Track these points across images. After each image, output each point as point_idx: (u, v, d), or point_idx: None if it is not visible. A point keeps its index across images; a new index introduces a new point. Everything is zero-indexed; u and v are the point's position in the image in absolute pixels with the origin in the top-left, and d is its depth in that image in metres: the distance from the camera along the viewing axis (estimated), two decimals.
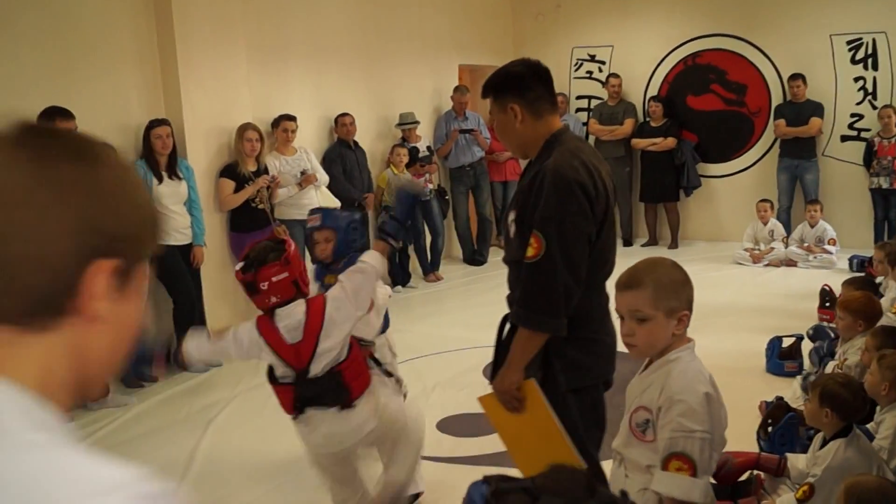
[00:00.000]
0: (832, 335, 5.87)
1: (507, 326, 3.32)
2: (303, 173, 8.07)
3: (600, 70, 12.11)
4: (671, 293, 2.56)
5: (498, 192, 11.36)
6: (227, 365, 6.67)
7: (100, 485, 0.87)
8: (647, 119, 11.41)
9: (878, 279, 6.79)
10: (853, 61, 10.47)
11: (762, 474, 4.09)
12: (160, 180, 6.78)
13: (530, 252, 2.99)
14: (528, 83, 3.17)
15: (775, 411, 4.71)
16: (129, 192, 1.03)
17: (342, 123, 8.96)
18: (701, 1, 11.32)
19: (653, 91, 11.67)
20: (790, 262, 9.85)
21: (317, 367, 3.55)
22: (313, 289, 4.20)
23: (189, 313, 6.81)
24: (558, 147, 3.09)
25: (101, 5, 6.76)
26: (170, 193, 6.82)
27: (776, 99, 10.92)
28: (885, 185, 9.85)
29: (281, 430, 4.56)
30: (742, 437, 4.29)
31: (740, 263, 10.10)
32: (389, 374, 4.54)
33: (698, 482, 2.46)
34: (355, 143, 9.11)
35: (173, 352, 3.42)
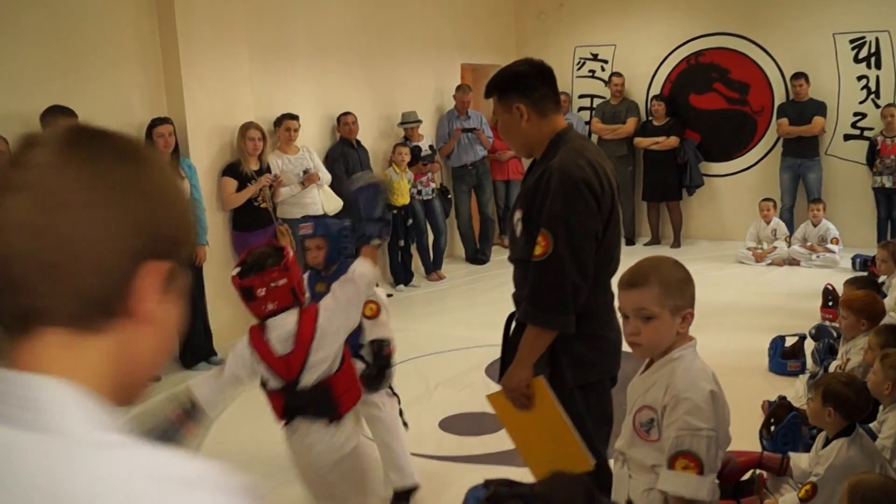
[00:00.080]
0: (835, 334, 5.87)
1: (513, 325, 3.36)
2: (305, 172, 8.07)
3: (603, 69, 12.10)
4: (676, 291, 2.55)
5: (500, 191, 11.36)
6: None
7: (184, 480, 0.88)
8: (650, 118, 11.40)
9: (882, 278, 6.78)
10: (856, 60, 10.45)
11: (765, 473, 4.09)
12: None
13: (538, 250, 3.01)
14: (534, 83, 3.19)
15: (778, 410, 4.70)
16: (175, 194, 1.05)
17: (344, 122, 8.96)
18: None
19: (655, 90, 11.66)
20: (793, 262, 9.84)
21: (308, 379, 3.46)
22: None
23: (190, 312, 6.79)
24: (564, 146, 3.11)
25: (104, 4, 6.76)
26: None
27: (779, 98, 10.91)
28: (888, 184, 9.83)
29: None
30: (745, 436, 4.28)
31: (743, 262, 10.10)
32: (393, 392, 4.58)
33: (705, 480, 2.45)
34: (358, 142, 9.11)
35: (188, 409, 3.32)
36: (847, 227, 10.04)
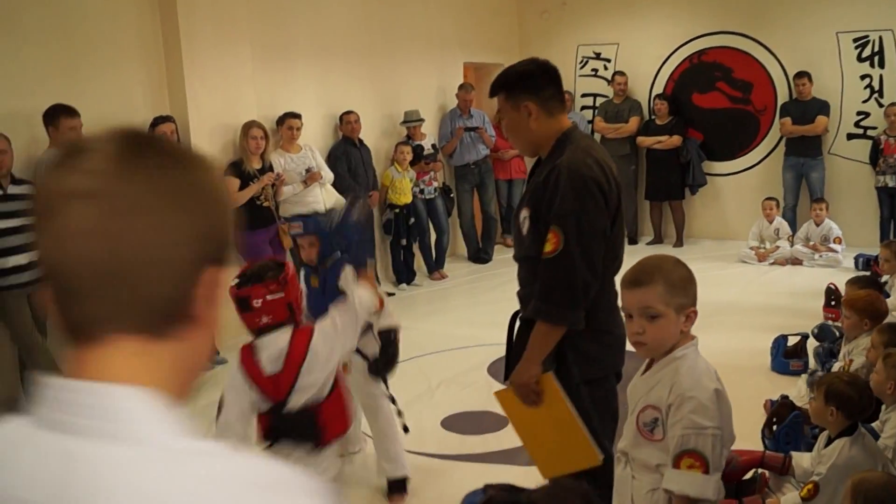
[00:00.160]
0: (837, 334, 5.87)
1: (518, 323, 3.39)
2: (308, 171, 8.07)
3: (605, 68, 12.09)
4: (681, 290, 2.55)
5: (503, 190, 11.36)
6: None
7: (272, 483, 0.90)
8: (653, 117, 11.39)
9: (884, 278, 6.78)
10: (859, 59, 10.43)
11: (767, 472, 4.09)
12: None
13: (548, 247, 3.04)
14: (541, 82, 3.21)
15: (780, 410, 4.70)
16: (225, 198, 1.05)
17: (347, 121, 8.96)
18: None
19: (658, 89, 11.64)
20: (795, 261, 9.82)
21: (296, 401, 3.39)
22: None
23: None
24: (570, 145, 3.14)
25: (106, 3, 6.77)
26: None
27: (782, 97, 10.89)
28: (891, 184, 9.81)
29: None
30: (747, 435, 4.28)
31: (745, 262, 10.08)
32: (393, 401, 4.59)
33: (711, 479, 2.45)
34: (360, 140, 9.11)
35: None
36: (850, 227, 10.02)
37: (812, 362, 5.92)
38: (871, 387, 3.92)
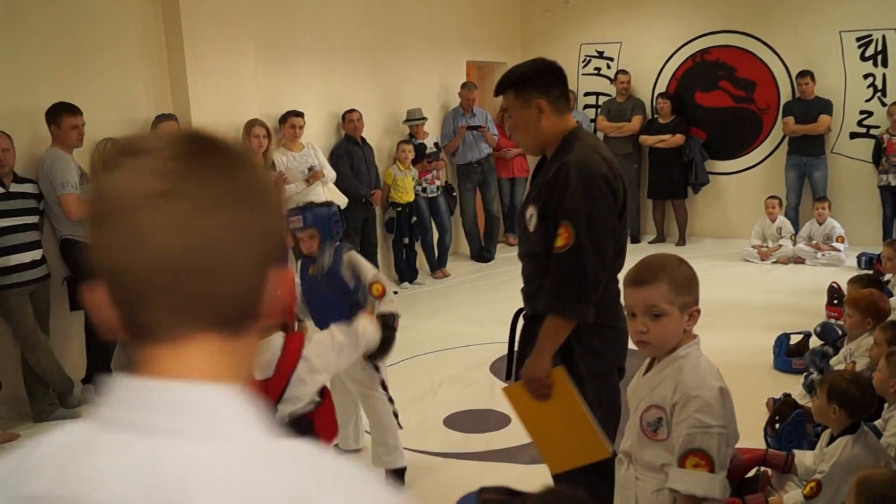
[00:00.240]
0: (840, 332, 5.87)
1: (520, 320, 3.44)
2: (310, 169, 8.07)
3: (608, 66, 12.09)
4: (685, 288, 2.54)
5: (505, 189, 11.36)
6: None
7: (362, 480, 0.93)
8: (656, 116, 11.38)
9: (887, 276, 6.77)
10: (862, 58, 10.43)
11: (769, 471, 4.08)
12: None
13: (560, 242, 3.08)
14: (552, 80, 3.27)
15: (783, 408, 4.70)
16: (279, 198, 1.07)
17: (349, 120, 8.96)
18: None
19: (661, 88, 11.64)
20: (798, 260, 9.82)
21: (284, 410, 3.35)
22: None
23: None
24: (578, 143, 3.19)
25: (109, 1, 6.77)
26: None
27: (785, 96, 10.89)
28: (893, 182, 9.81)
29: None
30: (749, 433, 4.27)
31: (748, 261, 10.08)
32: (391, 401, 4.59)
33: (717, 478, 2.44)
34: (363, 139, 9.11)
35: None
36: (853, 226, 10.02)
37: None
38: (873, 385, 3.91)
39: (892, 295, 6.19)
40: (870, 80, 10.43)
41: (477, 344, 7.05)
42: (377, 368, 4.59)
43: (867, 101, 10.46)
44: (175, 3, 7.10)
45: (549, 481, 3.61)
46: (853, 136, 10.56)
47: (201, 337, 0.95)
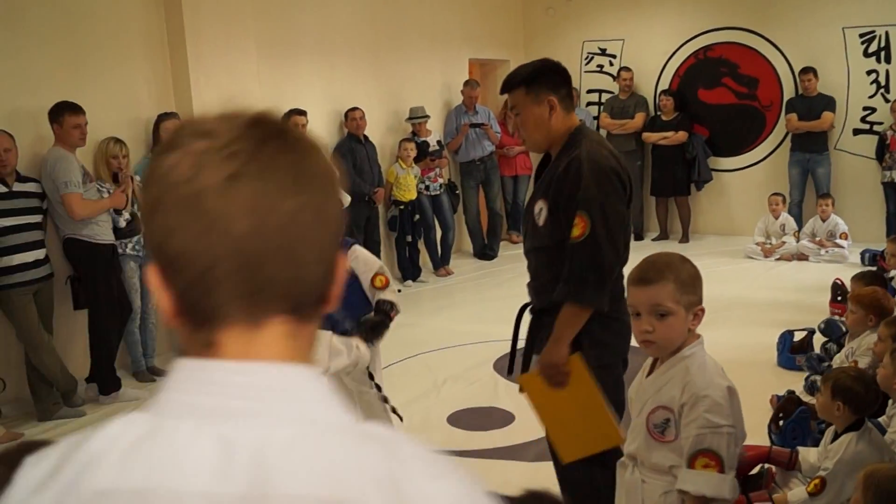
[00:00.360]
0: (843, 329, 5.86)
1: (530, 315, 3.53)
2: None
3: (611, 64, 12.08)
4: (690, 287, 2.53)
5: (508, 187, 11.35)
6: None
7: (438, 466, 0.90)
8: (659, 113, 11.38)
9: (890, 273, 6.76)
10: (866, 54, 10.41)
11: (773, 468, 4.09)
12: None
13: (576, 232, 3.16)
14: (560, 79, 3.38)
15: (787, 405, 4.70)
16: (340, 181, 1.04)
17: (352, 118, 8.97)
18: None
19: (664, 85, 11.63)
20: (802, 257, 9.81)
21: None
22: None
23: None
24: (584, 139, 3.29)
25: (111, 0, 6.77)
26: None
27: (788, 92, 10.87)
28: None
29: None
30: (753, 430, 4.26)
31: (752, 257, 10.08)
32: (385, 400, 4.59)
33: (727, 478, 2.43)
34: (365, 137, 9.12)
35: None
36: (856, 222, 10.00)
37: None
38: (877, 382, 3.91)
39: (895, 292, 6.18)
40: (873, 76, 10.40)
41: (480, 342, 7.05)
42: (372, 377, 4.58)
43: (870, 97, 10.43)
44: (177, 1, 7.10)
45: (553, 479, 3.62)
46: (856, 132, 10.54)
47: (273, 321, 0.93)
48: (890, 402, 4.13)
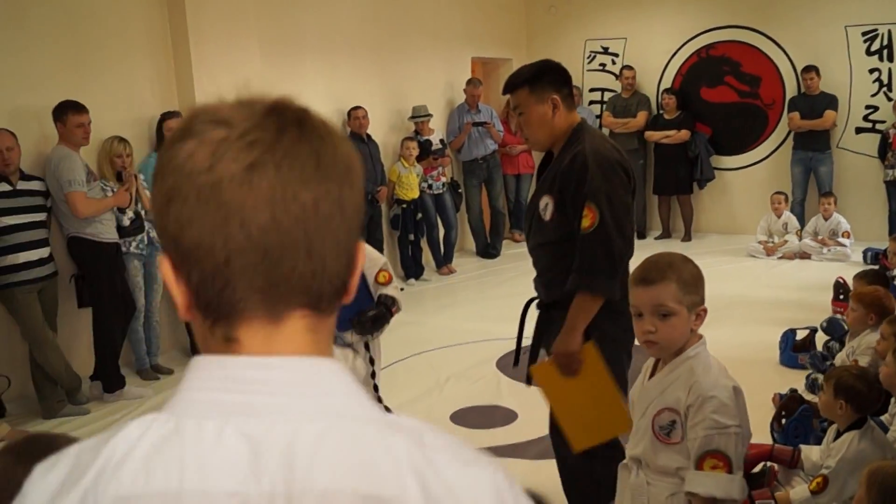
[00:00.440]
0: (846, 327, 5.87)
1: (529, 310, 3.63)
2: None
3: (613, 62, 12.08)
4: (693, 287, 2.51)
5: (511, 185, 11.36)
6: None
7: (469, 458, 0.90)
8: (661, 111, 11.38)
9: (893, 271, 6.77)
10: (868, 53, 10.41)
11: (776, 466, 4.10)
12: None
13: (586, 223, 3.23)
14: (562, 78, 3.45)
15: (789, 403, 4.71)
16: (361, 169, 1.01)
17: (355, 116, 8.98)
18: None
19: (666, 83, 11.63)
20: (804, 255, 9.82)
21: None
22: None
23: None
24: (587, 135, 3.38)
25: None
26: None
27: (790, 91, 10.87)
28: None
29: None
30: (756, 428, 4.25)
31: (754, 256, 10.08)
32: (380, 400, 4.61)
33: (735, 478, 2.41)
34: (368, 136, 9.13)
35: None
36: (858, 221, 10.00)
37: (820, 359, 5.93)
38: (880, 380, 3.92)
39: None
40: (875, 74, 10.40)
41: (483, 340, 7.06)
42: (373, 374, 4.60)
43: (873, 95, 10.43)
44: (180, 0, 7.11)
45: (554, 477, 3.64)
46: (859, 130, 10.54)
47: (293, 316, 0.91)
48: (892, 400, 4.14)
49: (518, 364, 3.87)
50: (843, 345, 5.60)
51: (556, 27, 12.23)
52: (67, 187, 5.90)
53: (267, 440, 0.84)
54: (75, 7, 6.49)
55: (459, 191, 10.50)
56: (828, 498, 3.59)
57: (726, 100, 11.36)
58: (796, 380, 5.58)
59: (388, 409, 4.56)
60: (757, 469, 4.08)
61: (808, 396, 5.00)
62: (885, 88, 10.35)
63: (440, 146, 10.05)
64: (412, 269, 9.73)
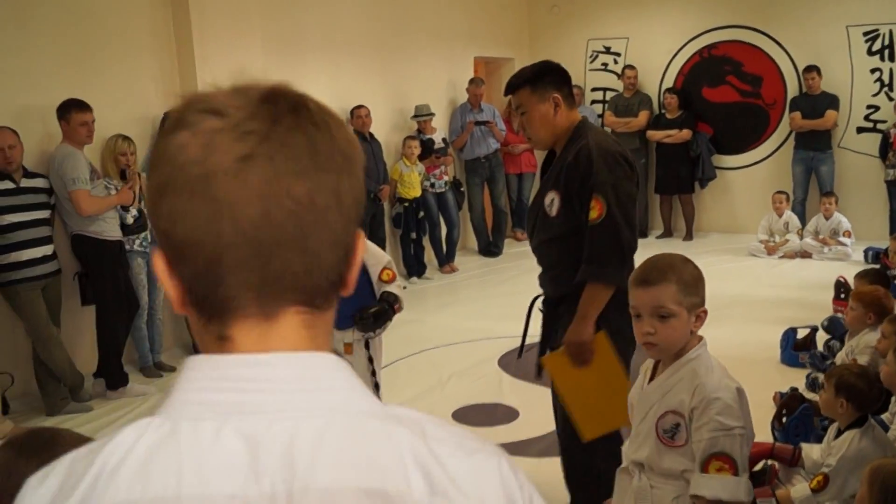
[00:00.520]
0: (846, 327, 5.88)
1: (535, 306, 3.73)
2: None
3: (615, 62, 12.09)
4: (693, 289, 2.49)
5: (513, 184, 11.37)
6: None
7: (471, 447, 0.89)
8: (663, 111, 11.39)
9: (894, 271, 6.78)
10: (869, 52, 10.41)
11: (776, 464, 4.11)
12: None
13: (594, 214, 3.31)
14: (562, 78, 3.53)
15: (790, 402, 4.73)
16: (361, 155, 0.96)
17: (358, 115, 8.99)
18: None
19: (668, 83, 11.64)
20: (805, 254, 9.83)
21: None
22: None
23: None
24: (589, 131, 3.46)
25: None
26: None
27: (792, 91, 10.88)
28: None
29: None
30: (757, 427, 4.26)
31: (755, 255, 10.09)
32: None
33: (741, 480, 2.40)
34: (371, 135, 9.14)
35: None
36: (859, 220, 10.01)
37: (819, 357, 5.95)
38: (881, 379, 3.93)
39: None
40: (877, 74, 10.41)
41: (485, 338, 7.08)
42: (374, 373, 4.61)
43: (874, 95, 10.44)
44: None
45: (555, 474, 3.66)
46: (860, 130, 10.54)
47: (287, 312, 0.88)
48: (893, 398, 4.16)
49: (522, 356, 3.96)
50: (843, 344, 5.62)
51: (559, 27, 12.24)
52: (71, 185, 5.92)
53: (266, 439, 0.81)
54: (79, 5, 6.50)
55: (462, 189, 10.51)
56: (828, 496, 3.60)
57: (728, 99, 11.37)
58: (797, 378, 5.59)
59: None
60: (758, 467, 4.09)
61: (809, 395, 5.01)
62: (886, 88, 10.36)
63: (443, 145, 10.07)
64: (414, 268, 9.75)
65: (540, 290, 3.78)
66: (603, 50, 12.18)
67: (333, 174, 0.87)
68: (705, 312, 2.53)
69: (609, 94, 12.04)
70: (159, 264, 0.89)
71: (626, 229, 3.32)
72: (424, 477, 0.82)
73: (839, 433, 3.74)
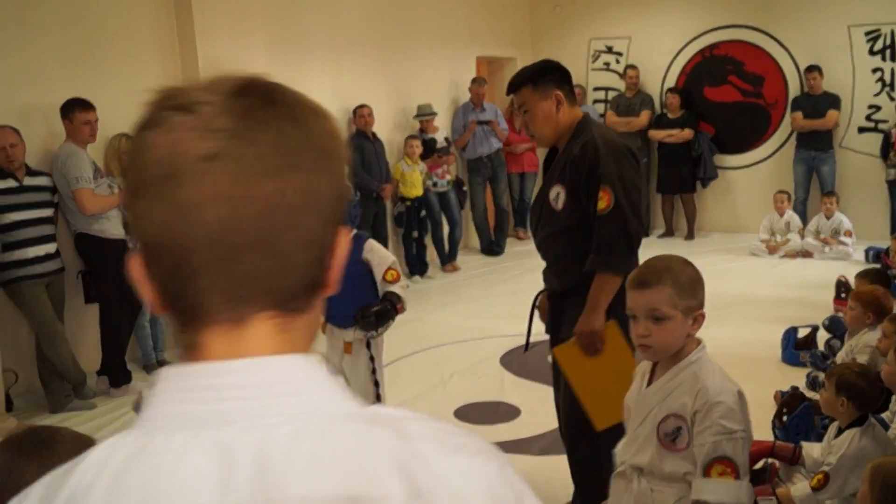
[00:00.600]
0: (846, 326, 5.90)
1: (539, 298, 3.77)
2: None
3: (617, 61, 12.10)
4: (689, 292, 2.48)
5: (515, 184, 11.38)
6: None
7: (458, 446, 0.85)
8: (665, 110, 11.39)
9: (895, 270, 6.79)
10: (871, 52, 10.42)
11: (777, 462, 4.12)
12: None
13: (602, 204, 3.37)
14: (563, 76, 3.59)
15: (790, 400, 4.74)
16: (344, 148, 0.92)
17: (360, 115, 9.00)
18: None
19: (670, 82, 11.64)
20: (806, 254, 9.84)
21: None
22: None
23: None
24: (592, 126, 3.52)
25: None
26: None
27: (793, 90, 10.89)
28: None
29: None
30: (757, 425, 4.27)
31: (756, 255, 10.10)
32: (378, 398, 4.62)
33: (743, 484, 2.40)
34: (373, 134, 9.16)
35: None
36: (860, 220, 10.02)
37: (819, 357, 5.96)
38: (881, 377, 3.94)
39: None
40: (878, 74, 10.41)
41: (487, 337, 7.09)
42: (374, 371, 4.62)
43: (875, 95, 10.44)
44: None
45: (556, 472, 3.67)
46: (861, 130, 10.55)
47: (258, 318, 0.85)
48: (893, 397, 4.17)
49: (528, 349, 4.02)
50: (844, 343, 5.64)
51: (561, 26, 12.25)
52: (75, 184, 5.94)
53: (239, 448, 0.78)
54: (83, 5, 6.52)
55: (464, 189, 10.52)
56: (829, 494, 3.61)
57: (729, 99, 11.37)
58: (798, 377, 5.60)
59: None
60: (758, 466, 4.10)
61: (810, 394, 5.02)
62: (887, 88, 10.36)
63: (445, 144, 10.09)
64: (416, 267, 9.76)
65: (542, 287, 3.81)
66: (605, 49, 12.19)
67: (306, 172, 0.84)
68: (703, 315, 2.51)
69: (611, 94, 12.05)
70: (135, 268, 0.86)
71: (633, 219, 3.38)
72: (405, 479, 0.79)
73: (840, 432, 3.75)
